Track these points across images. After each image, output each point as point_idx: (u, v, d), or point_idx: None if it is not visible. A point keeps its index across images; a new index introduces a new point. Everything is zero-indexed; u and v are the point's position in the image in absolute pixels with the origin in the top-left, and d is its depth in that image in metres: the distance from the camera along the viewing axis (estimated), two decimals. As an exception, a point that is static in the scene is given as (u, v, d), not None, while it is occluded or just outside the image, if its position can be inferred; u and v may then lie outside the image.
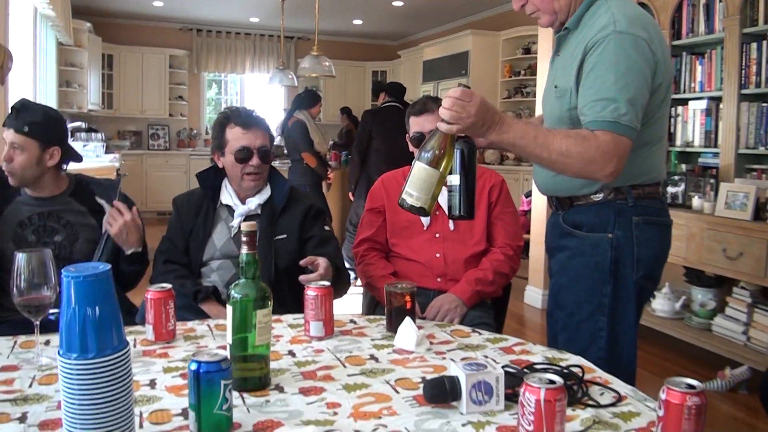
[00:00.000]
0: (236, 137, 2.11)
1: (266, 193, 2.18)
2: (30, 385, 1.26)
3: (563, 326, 1.76)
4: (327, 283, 1.62)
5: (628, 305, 1.68)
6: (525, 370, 1.33)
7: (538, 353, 1.48)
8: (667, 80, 1.61)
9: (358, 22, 9.69)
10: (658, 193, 1.70)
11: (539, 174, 1.80)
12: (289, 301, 2.01)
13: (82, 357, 0.92)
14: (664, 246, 1.74)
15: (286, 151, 5.88)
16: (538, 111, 1.94)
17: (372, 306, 2.35)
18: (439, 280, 2.22)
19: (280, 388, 1.25)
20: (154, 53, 9.72)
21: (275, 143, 2.91)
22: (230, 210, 2.16)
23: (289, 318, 1.76)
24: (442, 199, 2.21)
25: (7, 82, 3.29)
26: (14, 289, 1.34)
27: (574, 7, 1.65)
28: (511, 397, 1.16)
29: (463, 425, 1.09)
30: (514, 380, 1.18)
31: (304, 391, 1.24)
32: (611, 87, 1.48)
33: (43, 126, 1.98)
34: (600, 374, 1.34)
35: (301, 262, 1.89)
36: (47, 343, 1.52)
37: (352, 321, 1.75)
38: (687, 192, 3.72)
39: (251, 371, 1.24)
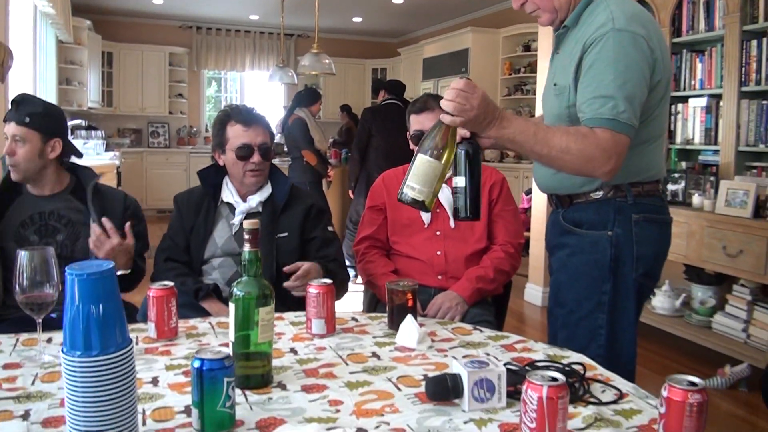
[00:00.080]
0: (237, 135, 2.11)
1: (267, 190, 2.18)
2: (32, 383, 1.26)
3: (563, 324, 1.76)
4: (329, 280, 1.63)
5: (627, 303, 1.68)
6: (527, 367, 1.34)
7: (540, 351, 1.49)
8: (666, 77, 1.62)
9: (358, 19, 9.69)
10: (657, 190, 1.70)
11: (539, 172, 1.80)
12: (291, 298, 2.01)
13: (85, 354, 0.92)
14: (664, 244, 1.74)
15: (286, 149, 5.88)
16: (538, 108, 1.95)
17: (373, 304, 2.35)
18: (439, 277, 2.23)
19: (282, 386, 1.25)
20: (153, 51, 9.71)
21: (275, 141, 2.90)
22: (231, 208, 2.16)
23: (290, 315, 1.76)
24: (443, 197, 2.22)
25: (8, 79, 3.29)
26: (17, 287, 1.34)
27: (573, 4, 1.64)
28: (513, 395, 1.16)
29: (465, 422, 1.10)
30: (515, 378, 1.19)
31: (307, 389, 1.24)
32: (610, 84, 1.48)
33: (43, 117, 1.99)
34: (601, 372, 1.34)
35: (285, 269, 1.92)
36: (49, 340, 1.52)
37: (353, 319, 1.75)
38: (687, 189, 3.72)
39: (254, 369, 1.25)
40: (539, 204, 4.72)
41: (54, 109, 2.09)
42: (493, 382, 1.15)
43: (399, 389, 1.24)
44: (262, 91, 10.70)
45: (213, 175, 2.21)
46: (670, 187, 3.78)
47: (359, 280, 2.40)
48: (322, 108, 7.52)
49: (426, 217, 2.25)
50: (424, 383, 1.22)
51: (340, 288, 1.87)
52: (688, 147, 3.92)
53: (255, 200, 2.15)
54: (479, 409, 1.14)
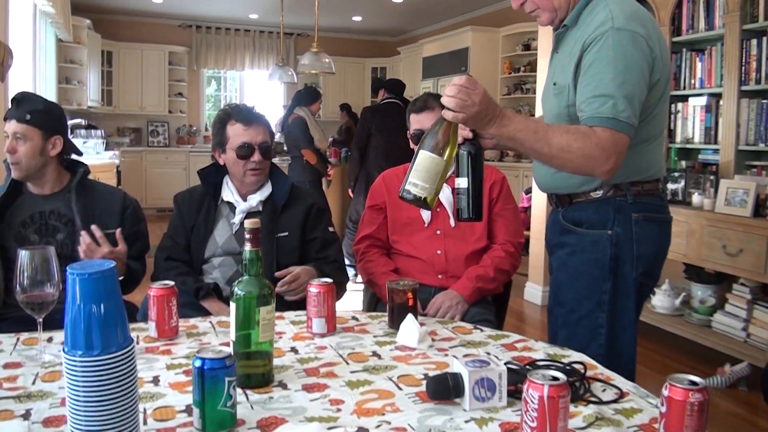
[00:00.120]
0: (237, 134, 2.12)
1: (267, 190, 2.18)
2: (33, 382, 1.26)
3: (563, 323, 1.76)
4: (329, 280, 1.63)
5: (627, 302, 1.68)
6: (527, 366, 1.34)
7: (540, 350, 1.49)
8: (665, 76, 1.61)
9: (357, 18, 9.69)
10: (657, 189, 1.70)
11: (539, 171, 1.80)
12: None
13: (87, 354, 0.92)
14: (664, 243, 1.74)
15: (285, 148, 5.88)
16: (538, 107, 1.95)
17: (373, 303, 2.35)
18: (440, 277, 2.23)
19: (283, 385, 1.25)
20: (153, 50, 9.71)
21: (275, 140, 2.91)
22: (231, 207, 2.16)
23: (291, 315, 1.76)
24: (443, 196, 2.21)
25: (7, 79, 3.29)
26: (17, 286, 1.34)
27: (572, 4, 1.64)
28: (514, 394, 1.16)
29: (466, 422, 1.10)
30: (516, 377, 1.19)
31: (308, 388, 1.24)
32: (609, 83, 1.48)
33: (44, 114, 2.00)
34: (602, 371, 1.34)
35: (276, 275, 1.94)
36: (50, 340, 1.52)
37: (354, 318, 1.75)
38: (687, 189, 3.72)
39: (254, 368, 1.25)
40: (539, 203, 4.72)
41: (54, 107, 2.10)
42: (494, 382, 1.15)
43: (400, 388, 1.24)
44: (262, 90, 10.70)
45: (213, 175, 2.21)
46: (670, 186, 3.79)
47: (359, 279, 2.40)
48: (322, 107, 7.51)
49: (426, 216, 2.25)
50: (424, 382, 1.22)
51: (337, 290, 1.88)
52: (688, 146, 3.92)
53: (255, 199, 2.15)
54: (480, 408, 1.14)
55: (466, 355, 1.44)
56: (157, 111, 9.84)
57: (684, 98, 3.92)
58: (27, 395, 1.19)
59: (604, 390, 1.24)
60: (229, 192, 2.17)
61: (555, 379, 0.98)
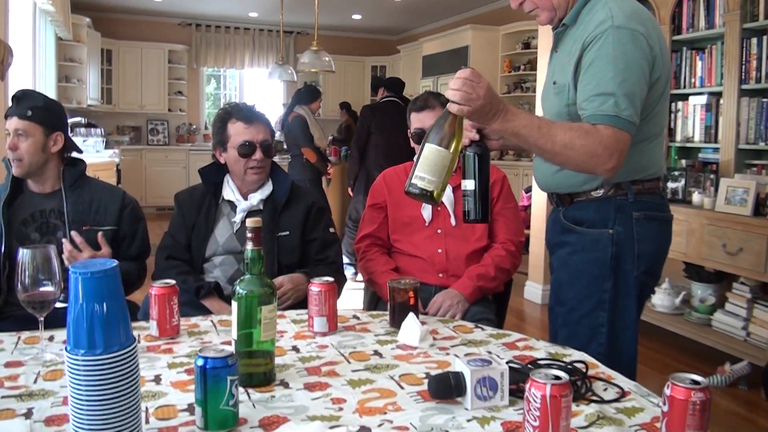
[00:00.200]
0: (238, 132, 2.11)
1: (268, 188, 2.18)
2: (35, 381, 1.26)
3: (564, 322, 1.76)
4: (330, 279, 1.63)
5: (628, 301, 1.68)
6: (529, 365, 1.34)
7: (541, 349, 1.49)
8: (665, 75, 1.61)
9: (357, 16, 9.68)
10: (658, 188, 1.70)
11: (539, 170, 1.80)
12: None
13: (89, 353, 0.92)
14: (665, 241, 1.74)
15: (285, 147, 5.88)
16: (538, 106, 1.94)
17: (373, 302, 2.35)
18: (440, 275, 2.23)
19: (285, 384, 1.25)
20: (153, 48, 9.70)
21: (275, 138, 2.90)
22: (232, 206, 2.16)
23: (292, 313, 1.76)
24: (444, 195, 2.21)
25: (7, 77, 3.28)
26: (18, 285, 1.33)
27: (571, 3, 1.64)
28: (516, 393, 1.17)
29: (468, 420, 1.10)
30: (518, 376, 1.19)
31: (309, 387, 1.24)
32: (610, 82, 1.48)
33: (45, 111, 2.00)
34: (603, 370, 1.35)
35: None
36: (51, 338, 1.52)
37: (355, 317, 1.75)
38: (687, 187, 3.72)
39: (256, 367, 1.25)
40: (539, 202, 4.72)
41: (55, 104, 2.10)
42: (495, 381, 1.15)
43: (401, 387, 1.24)
44: (262, 88, 10.69)
45: (214, 173, 2.21)
46: (670, 185, 3.79)
47: (360, 278, 2.40)
48: (322, 105, 7.51)
49: (427, 215, 2.26)
50: (426, 381, 1.22)
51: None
52: (688, 145, 3.92)
53: (256, 198, 2.15)
54: (482, 407, 1.14)
55: (467, 354, 1.43)
56: (156, 109, 9.84)
57: (684, 97, 3.92)
58: (29, 394, 1.19)
59: (605, 389, 1.24)
60: (229, 191, 2.17)
61: (557, 378, 0.98)
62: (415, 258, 2.25)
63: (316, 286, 1.59)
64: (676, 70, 3.93)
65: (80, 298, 0.92)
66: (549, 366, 1.32)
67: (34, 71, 5.48)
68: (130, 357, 0.95)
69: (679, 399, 0.98)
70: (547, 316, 1.89)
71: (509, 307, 2.50)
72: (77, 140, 3.28)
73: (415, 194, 1.43)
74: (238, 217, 2.13)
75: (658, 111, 1.63)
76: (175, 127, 10.14)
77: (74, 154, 2.14)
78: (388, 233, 2.33)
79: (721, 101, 3.64)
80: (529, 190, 5.70)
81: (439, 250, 2.24)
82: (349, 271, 5.16)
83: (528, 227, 4.89)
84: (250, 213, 2.13)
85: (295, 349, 1.47)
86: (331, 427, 1.05)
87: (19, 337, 1.53)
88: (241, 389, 1.20)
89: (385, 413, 1.12)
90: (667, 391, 0.99)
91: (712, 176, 3.59)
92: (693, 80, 3.88)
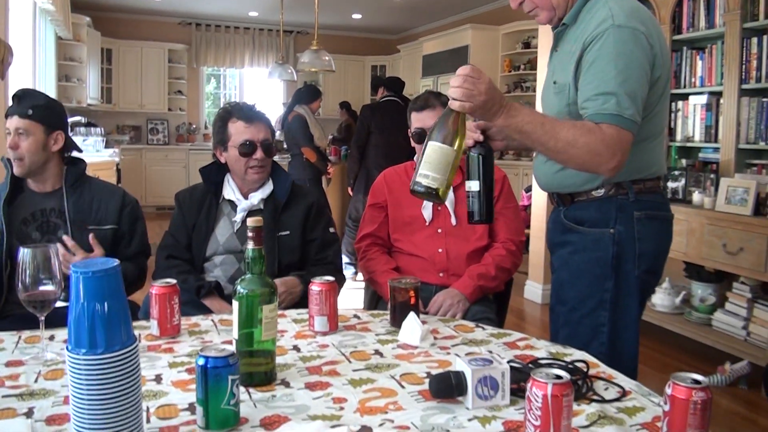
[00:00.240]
0: (239, 131, 2.11)
1: (268, 188, 2.18)
2: (36, 380, 1.26)
3: (565, 321, 1.76)
4: (331, 278, 1.63)
5: (630, 300, 1.68)
6: (530, 365, 1.34)
7: (542, 348, 1.49)
8: (666, 74, 1.61)
9: (357, 16, 9.68)
10: (659, 187, 1.70)
11: (540, 170, 1.80)
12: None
13: (90, 352, 0.92)
14: (666, 240, 1.74)
15: (285, 146, 5.88)
16: (538, 106, 1.93)
17: (374, 301, 2.35)
18: (441, 275, 2.23)
19: (286, 383, 1.25)
20: (153, 48, 9.71)
21: (275, 138, 2.90)
22: (233, 205, 2.16)
23: (293, 313, 1.76)
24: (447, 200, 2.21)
25: (7, 76, 3.28)
26: (19, 284, 1.33)
27: (571, 2, 1.64)
28: (517, 392, 1.16)
29: (469, 420, 1.10)
30: (519, 375, 1.19)
31: (310, 386, 1.24)
32: (612, 81, 1.48)
33: (45, 110, 2.00)
34: (604, 369, 1.34)
35: None
36: (52, 338, 1.52)
37: (355, 316, 1.75)
38: (687, 187, 3.72)
39: (257, 366, 1.25)
40: (539, 201, 4.72)
41: (55, 103, 2.10)
42: (496, 380, 1.15)
43: (402, 386, 1.24)
44: (262, 87, 10.69)
45: (214, 173, 2.21)
46: (671, 184, 3.79)
47: (360, 277, 2.40)
48: (322, 105, 7.51)
49: (427, 214, 2.26)
50: (427, 381, 1.22)
51: None
52: (689, 144, 3.92)
53: (257, 197, 2.15)
54: (483, 406, 1.14)
55: (468, 354, 1.43)
56: (156, 109, 9.84)
57: (684, 96, 3.92)
58: (29, 393, 1.19)
59: (606, 388, 1.24)
60: (230, 190, 2.17)
61: (558, 377, 0.98)
62: (415, 257, 2.25)
63: (316, 286, 1.59)
64: (677, 69, 3.93)
65: (81, 297, 0.92)
66: (550, 365, 1.32)
67: (34, 70, 5.48)
68: (131, 356, 0.95)
69: (681, 398, 0.98)
70: (547, 316, 1.89)
71: (509, 306, 2.50)
72: (77, 139, 3.29)
73: (420, 193, 1.43)
74: (238, 217, 2.13)
75: (659, 110, 1.63)
76: (175, 126, 10.14)
77: (74, 154, 2.14)
78: (389, 233, 2.33)
79: (722, 101, 3.64)
80: (529, 189, 5.70)
81: (440, 250, 2.24)
82: (349, 271, 5.16)
83: (528, 227, 4.89)
84: (251, 212, 2.13)
85: (296, 348, 1.47)
86: (332, 427, 1.05)
87: (19, 337, 1.53)
88: (242, 389, 1.19)
89: (386, 413, 1.12)
90: (669, 391, 0.99)
91: (712, 176, 3.59)
92: (693, 80, 3.88)
